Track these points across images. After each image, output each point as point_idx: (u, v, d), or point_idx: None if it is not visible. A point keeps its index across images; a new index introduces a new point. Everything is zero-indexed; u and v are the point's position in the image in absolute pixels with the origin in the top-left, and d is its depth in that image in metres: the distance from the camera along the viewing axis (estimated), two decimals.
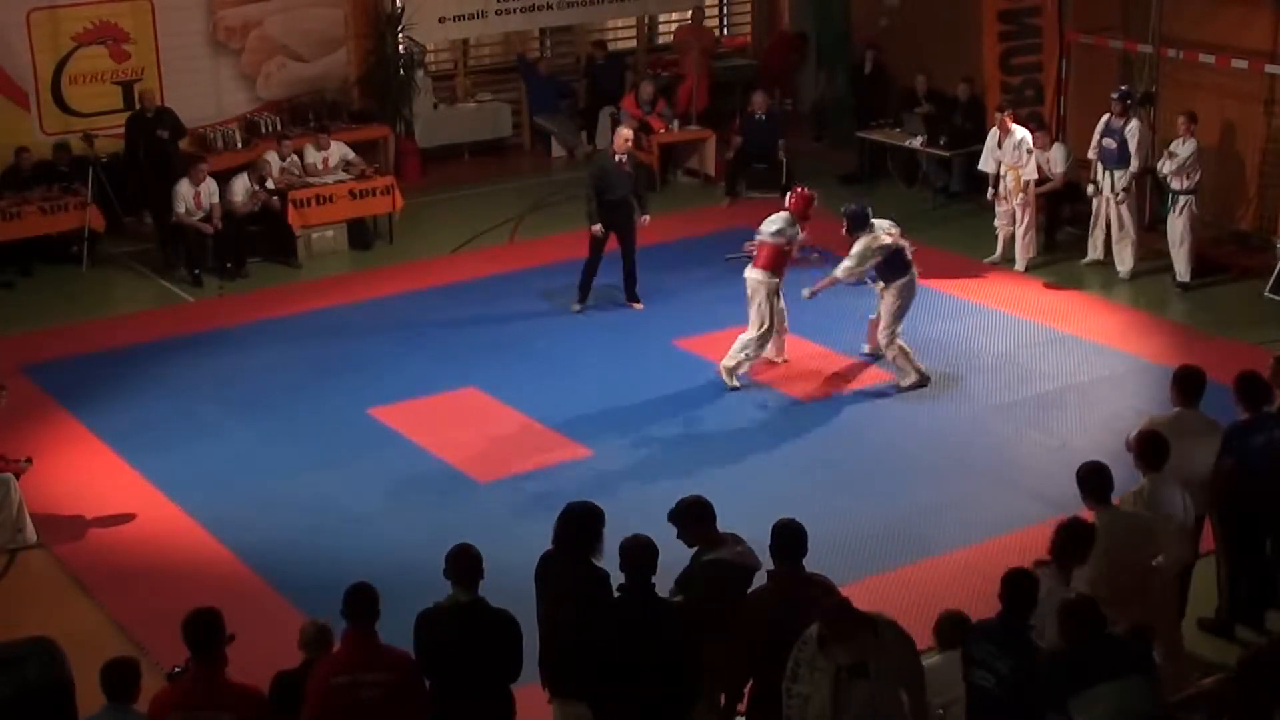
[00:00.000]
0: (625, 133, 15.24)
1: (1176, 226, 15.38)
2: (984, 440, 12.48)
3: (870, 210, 13.26)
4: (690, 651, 7.46)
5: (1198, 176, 15.20)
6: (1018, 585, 7.21)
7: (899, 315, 13.19)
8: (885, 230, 13.12)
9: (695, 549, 7.88)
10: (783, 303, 13.41)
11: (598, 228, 14.88)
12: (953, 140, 18.05)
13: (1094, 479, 8.32)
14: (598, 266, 15.10)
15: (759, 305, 13.23)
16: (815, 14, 21.17)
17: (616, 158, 14.98)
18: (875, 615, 7.09)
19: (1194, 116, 15.20)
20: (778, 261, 13.27)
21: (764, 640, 7.32)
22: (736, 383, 13.34)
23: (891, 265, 13.11)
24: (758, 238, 13.42)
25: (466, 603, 7.35)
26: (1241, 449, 9.13)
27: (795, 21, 21.90)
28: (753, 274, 13.31)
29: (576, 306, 15.19)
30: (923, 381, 13.22)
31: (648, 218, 15.25)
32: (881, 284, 13.22)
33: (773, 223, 13.33)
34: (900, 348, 13.19)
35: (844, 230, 13.16)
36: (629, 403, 13.15)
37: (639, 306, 15.27)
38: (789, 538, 7.58)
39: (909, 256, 13.24)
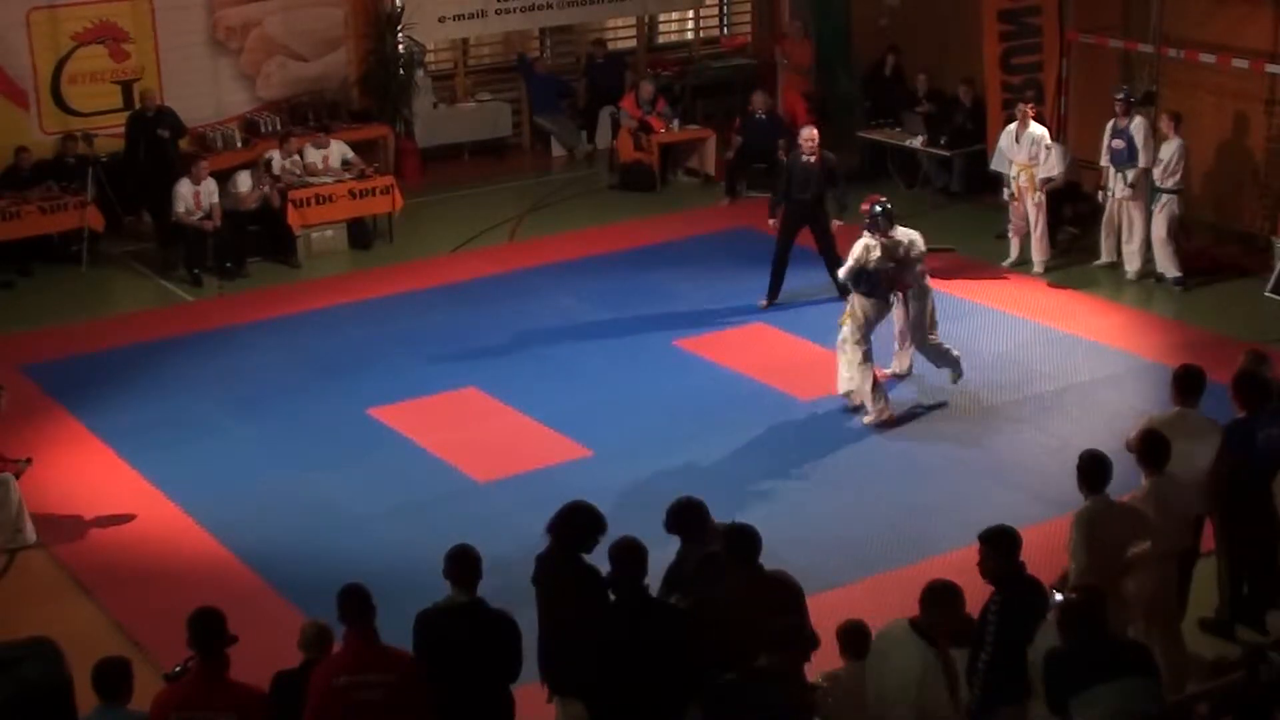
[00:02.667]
0: (811, 132, 15.17)
1: (1157, 224, 15.35)
2: (984, 440, 12.47)
3: (883, 208, 12.69)
4: (687, 651, 7.47)
5: (1179, 175, 15.18)
6: (999, 538, 7.45)
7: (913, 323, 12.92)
8: (884, 241, 12.59)
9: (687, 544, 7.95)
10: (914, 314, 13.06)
11: (772, 222, 15.11)
12: (953, 140, 18.04)
13: (1091, 468, 8.36)
14: (786, 262, 15.07)
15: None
16: (816, 13, 21.14)
17: (804, 158, 14.95)
18: None
19: (1178, 116, 15.18)
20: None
21: (729, 642, 7.27)
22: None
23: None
24: None
25: (465, 603, 7.35)
26: (1241, 446, 9.12)
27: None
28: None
29: (763, 302, 15.12)
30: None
31: (839, 221, 15.09)
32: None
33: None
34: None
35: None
36: (629, 403, 13.14)
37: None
38: (742, 540, 7.63)
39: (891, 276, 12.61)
